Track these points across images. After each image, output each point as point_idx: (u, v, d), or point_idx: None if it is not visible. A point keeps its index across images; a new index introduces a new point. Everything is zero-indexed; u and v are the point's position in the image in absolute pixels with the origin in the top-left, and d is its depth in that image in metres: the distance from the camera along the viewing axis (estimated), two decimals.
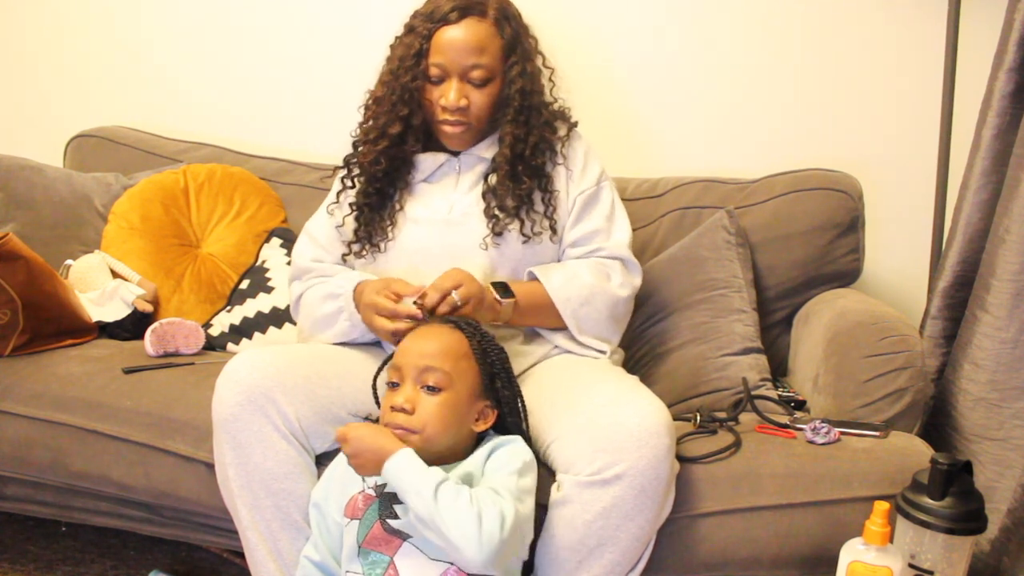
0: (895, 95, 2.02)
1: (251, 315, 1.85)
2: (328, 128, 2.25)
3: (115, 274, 1.90)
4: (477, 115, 1.51)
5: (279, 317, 1.85)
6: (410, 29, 1.52)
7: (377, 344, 1.53)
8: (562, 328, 1.52)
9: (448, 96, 1.48)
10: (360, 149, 1.57)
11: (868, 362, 1.49)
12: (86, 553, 1.80)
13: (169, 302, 1.91)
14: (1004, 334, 1.52)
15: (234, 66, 2.32)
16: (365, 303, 1.42)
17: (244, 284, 1.93)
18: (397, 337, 1.35)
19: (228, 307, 1.89)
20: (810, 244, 1.81)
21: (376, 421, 1.37)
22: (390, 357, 1.29)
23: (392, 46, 1.56)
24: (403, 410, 1.19)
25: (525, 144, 1.52)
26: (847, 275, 1.84)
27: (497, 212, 1.50)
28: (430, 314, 1.35)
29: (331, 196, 1.64)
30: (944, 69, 1.87)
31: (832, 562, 1.24)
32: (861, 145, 2.04)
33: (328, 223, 1.62)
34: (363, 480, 1.23)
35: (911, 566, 1.26)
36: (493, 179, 1.52)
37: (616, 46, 2.09)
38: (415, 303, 1.35)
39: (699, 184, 1.94)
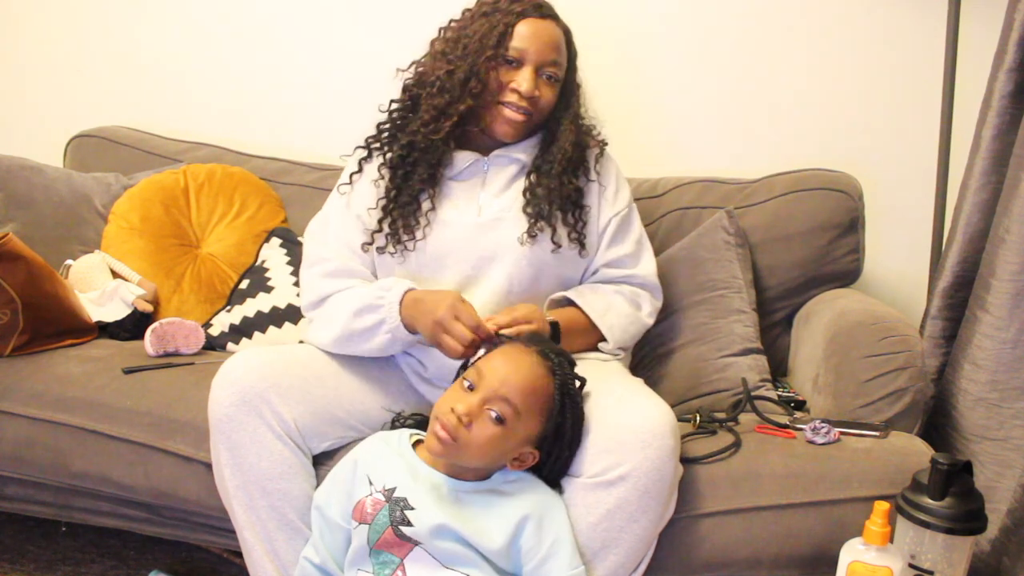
0: (895, 95, 2.02)
1: (251, 315, 1.85)
2: (328, 128, 2.25)
3: (115, 274, 1.90)
4: (541, 110, 1.53)
5: (279, 317, 1.85)
6: (488, 11, 1.52)
7: None
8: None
9: (523, 83, 1.49)
10: (423, 129, 1.51)
11: (868, 362, 1.49)
12: (86, 553, 1.80)
13: (169, 302, 1.91)
14: (1004, 334, 1.52)
15: (234, 66, 2.32)
16: (437, 319, 1.34)
17: (244, 284, 1.93)
18: (464, 357, 1.33)
19: (228, 307, 1.89)
20: (810, 244, 1.81)
21: (401, 420, 1.37)
22: (494, 347, 1.28)
23: (452, 28, 1.56)
24: (460, 418, 1.18)
25: (577, 146, 1.55)
26: (847, 275, 1.84)
27: (538, 212, 1.50)
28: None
29: (343, 178, 1.60)
30: (944, 69, 1.87)
31: (832, 562, 1.24)
32: (861, 145, 2.04)
33: (347, 211, 1.57)
34: (370, 484, 1.23)
35: (911, 566, 1.26)
36: (535, 177, 1.53)
37: (616, 47, 2.09)
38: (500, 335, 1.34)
39: (699, 184, 1.94)
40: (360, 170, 1.58)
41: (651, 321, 1.59)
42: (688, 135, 2.12)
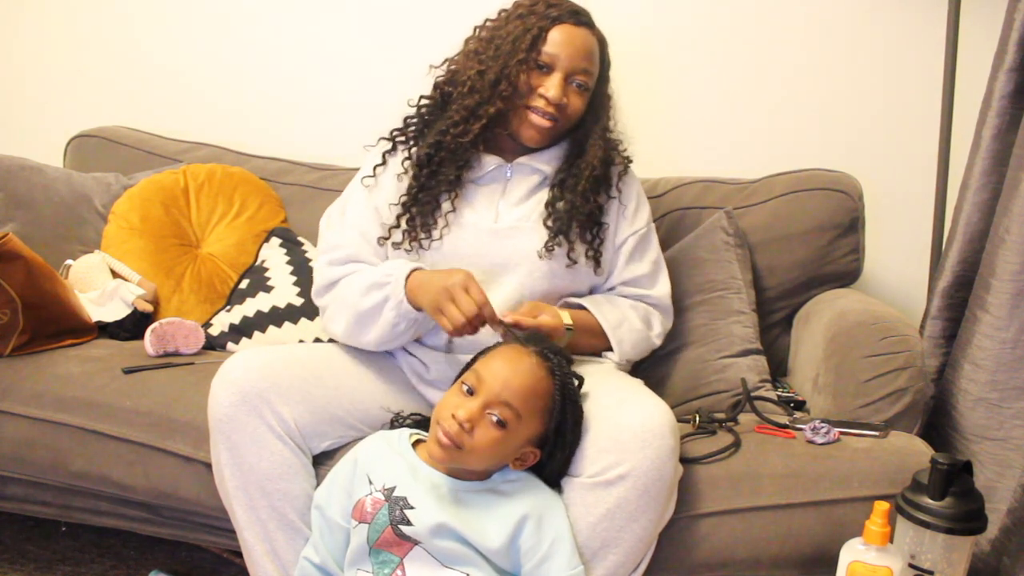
0: (895, 95, 2.02)
1: (251, 314, 1.85)
2: (329, 128, 2.26)
3: (115, 274, 1.90)
4: (568, 117, 1.52)
5: (279, 316, 1.84)
6: (524, 14, 1.51)
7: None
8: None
9: (551, 89, 1.48)
10: (451, 130, 1.51)
11: (868, 362, 1.49)
12: (86, 553, 1.80)
13: (169, 302, 1.91)
14: (1004, 334, 1.52)
15: (234, 66, 2.32)
16: (447, 286, 1.33)
17: (244, 284, 1.93)
18: (459, 332, 1.33)
19: (228, 307, 1.89)
20: (810, 244, 1.81)
21: (400, 420, 1.37)
22: (488, 349, 1.29)
23: (487, 28, 1.55)
24: (462, 424, 1.18)
25: (605, 164, 1.55)
26: (847, 275, 1.84)
27: (558, 227, 1.50)
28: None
29: (366, 169, 1.59)
30: (944, 69, 1.87)
31: (832, 562, 1.24)
32: (861, 145, 2.05)
33: (366, 201, 1.56)
34: (370, 483, 1.23)
35: (911, 566, 1.26)
36: (558, 191, 1.53)
37: (615, 47, 2.09)
38: (504, 325, 1.35)
39: (699, 184, 1.94)
40: (384, 163, 1.58)
41: (659, 342, 1.60)
42: (688, 135, 2.12)
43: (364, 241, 1.53)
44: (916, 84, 1.99)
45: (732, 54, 2.08)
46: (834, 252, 1.82)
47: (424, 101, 1.59)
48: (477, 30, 1.58)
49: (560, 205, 1.52)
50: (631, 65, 2.10)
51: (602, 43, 1.57)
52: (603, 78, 1.58)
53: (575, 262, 1.51)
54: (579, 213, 1.51)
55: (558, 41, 1.49)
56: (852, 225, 1.82)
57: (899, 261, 2.05)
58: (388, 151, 1.58)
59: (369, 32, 2.23)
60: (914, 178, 2.01)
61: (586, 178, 1.52)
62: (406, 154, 1.56)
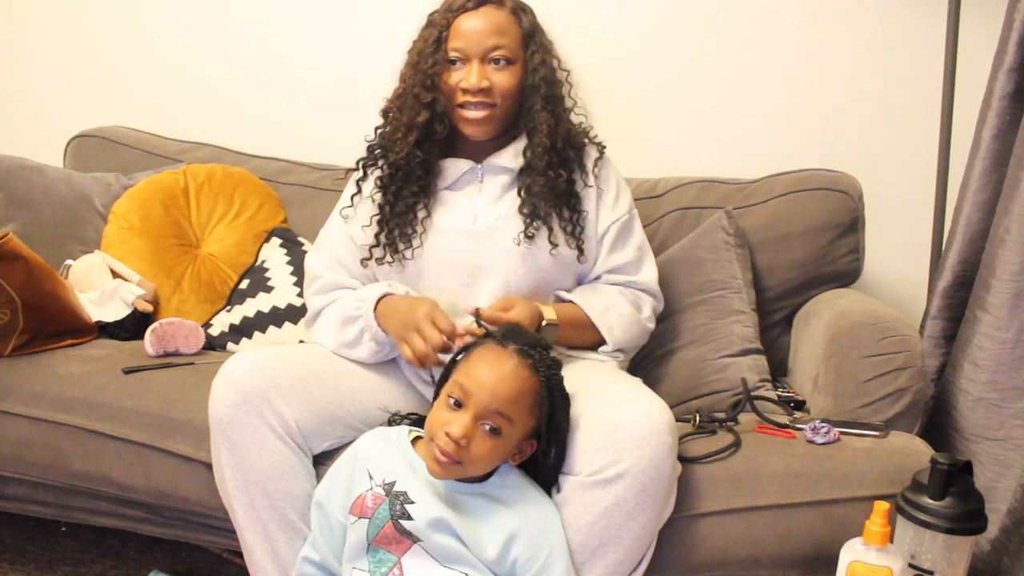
0: (895, 95, 2.02)
1: (251, 315, 1.85)
2: (329, 128, 2.26)
3: (115, 274, 1.90)
4: (501, 94, 1.50)
5: (279, 316, 1.85)
6: (428, 23, 1.53)
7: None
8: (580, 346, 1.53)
9: (469, 78, 1.48)
10: (394, 148, 1.53)
11: (868, 362, 1.49)
12: (86, 553, 1.80)
13: (169, 302, 1.91)
14: (1004, 334, 1.52)
15: (234, 66, 2.32)
16: (412, 321, 1.37)
17: (244, 284, 1.93)
18: (424, 362, 1.35)
19: (228, 307, 1.89)
20: (810, 244, 1.81)
21: (397, 419, 1.37)
22: (464, 350, 1.27)
23: (411, 49, 1.56)
24: (457, 442, 1.16)
25: (556, 134, 1.52)
26: (847, 275, 1.84)
27: (533, 210, 1.50)
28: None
29: (344, 199, 1.62)
30: (944, 69, 1.87)
31: (832, 562, 1.24)
32: (861, 145, 2.04)
33: (343, 230, 1.59)
34: (370, 479, 1.23)
35: (911, 566, 1.26)
36: (528, 177, 1.52)
37: (616, 46, 2.09)
38: (472, 315, 1.34)
39: (699, 184, 1.94)
40: (359, 191, 1.59)
41: (651, 325, 1.60)
42: (688, 135, 2.12)
43: (340, 265, 1.57)
44: (916, 84, 1.99)
45: (732, 54, 2.08)
46: (834, 252, 1.82)
47: (379, 128, 1.60)
48: (410, 50, 1.57)
49: (533, 188, 1.51)
50: (632, 65, 2.10)
51: (517, 12, 1.52)
52: (531, 44, 1.52)
53: (556, 245, 1.50)
54: (549, 192, 1.50)
55: (460, 32, 1.48)
56: (852, 225, 1.82)
57: (899, 261, 2.05)
58: (360, 179, 1.59)
59: (371, 32, 2.23)
60: (914, 178, 2.01)
61: (541, 155, 1.50)
62: (379, 172, 1.57)
